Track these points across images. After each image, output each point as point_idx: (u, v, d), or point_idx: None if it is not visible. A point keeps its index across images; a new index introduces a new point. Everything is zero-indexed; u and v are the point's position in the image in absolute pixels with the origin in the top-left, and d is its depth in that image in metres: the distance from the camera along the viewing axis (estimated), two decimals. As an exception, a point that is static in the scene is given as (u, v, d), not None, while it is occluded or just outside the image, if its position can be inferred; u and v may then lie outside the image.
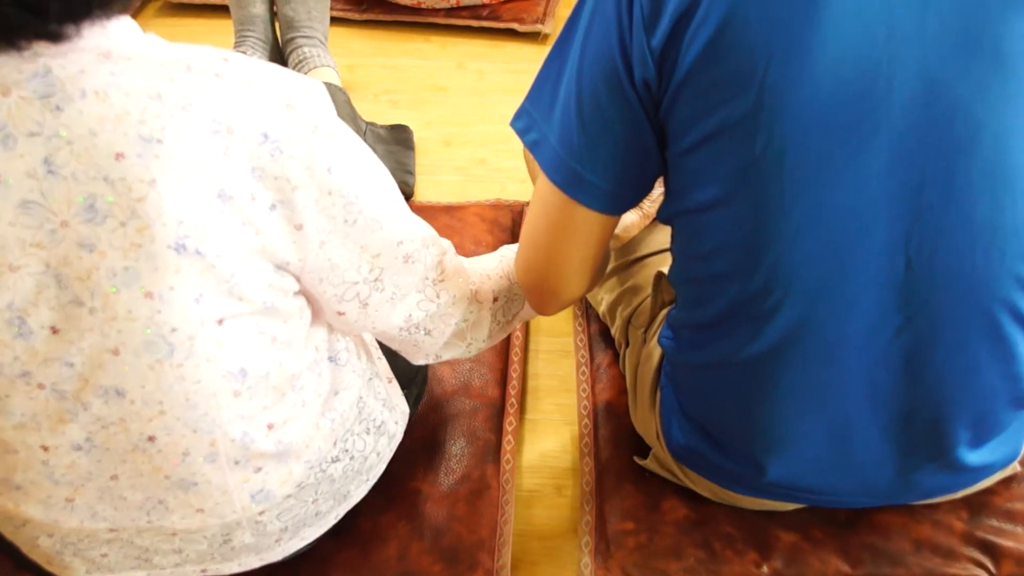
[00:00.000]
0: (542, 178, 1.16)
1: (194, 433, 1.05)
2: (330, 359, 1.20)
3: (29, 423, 1.04)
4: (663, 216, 1.18)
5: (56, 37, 0.93)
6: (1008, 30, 0.97)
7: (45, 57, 0.94)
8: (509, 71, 2.26)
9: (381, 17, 2.35)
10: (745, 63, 0.98)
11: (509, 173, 1.97)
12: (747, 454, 1.23)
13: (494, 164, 1.99)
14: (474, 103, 2.14)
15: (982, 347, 1.10)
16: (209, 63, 0.99)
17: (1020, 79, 0.98)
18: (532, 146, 1.16)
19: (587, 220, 1.15)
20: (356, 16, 2.31)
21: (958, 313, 1.07)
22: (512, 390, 1.56)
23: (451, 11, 2.36)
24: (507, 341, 1.62)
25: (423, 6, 2.34)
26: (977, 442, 1.21)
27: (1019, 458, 1.34)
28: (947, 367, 1.11)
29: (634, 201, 1.16)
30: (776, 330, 1.10)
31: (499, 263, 1.34)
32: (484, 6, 2.36)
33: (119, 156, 0.93)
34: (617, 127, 1.09)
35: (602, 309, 1.57)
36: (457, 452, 1.47)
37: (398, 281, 1.16)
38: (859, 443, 1.18)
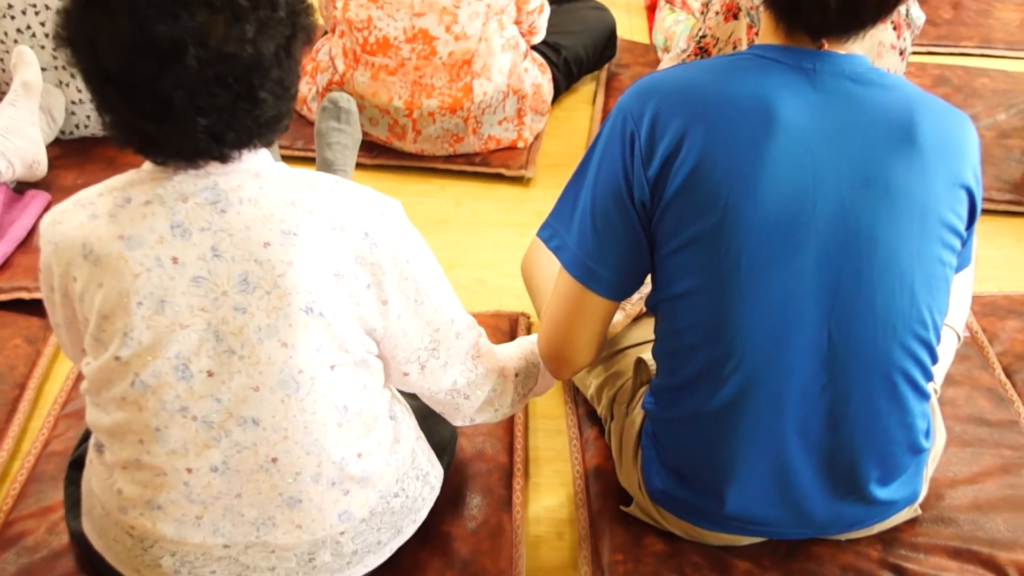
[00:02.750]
0: (562, 273, 1.55)
1: (307, 455, 1.40)
2: (391, 417, 1.55)
3: (180, 449, 1.38)
4: (650, 303, 1.57)
5: (225, 159, 1.32)
6: (894, 172, 1.39)
7: (214, 175, 1.32)
8: (499, 208, 2.64)
9: (390, 162, 2.74)
10: (712, 191, 1.39)
11: (505, 290, 2.33)
12: (711, 490, 1.58)
13: (492, 283, 2.36)
14: (471, 234, 2.52)
15: (884, 402, 1.48)
16: (325, 182, 1.38)
17: (902, 205, 1.39)
18: (556, 250, 1.56)
19: (597, 304, 1.54)
20: (368, 161, 2.70)
21: (865, 375, 1.46)
22: (518, 458, 1.91)
23: (449, 158, 2.75)
24: (512, 420, 1.97)
25: (425, 154, 2.74)
26: (884, 481, 1.58)
27: (919, 501, 1.72)
28: (858, 418, 1.48)
29: (631, 290, 1.55)
30: (733, 388, 1.47)
31: (518, 349, 1.71)
32: (476, 154, 2.76)
33: (266, 244, 1.31)
34: (621, 234, 1.48)
35: (590, 392, 1.94)
36: (477, 503, 1.81)
37: (449, 352, 1.52)
38: (796, 480, 1.54)
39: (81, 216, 1.34)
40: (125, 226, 1.31)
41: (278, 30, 1.25)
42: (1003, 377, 2.13)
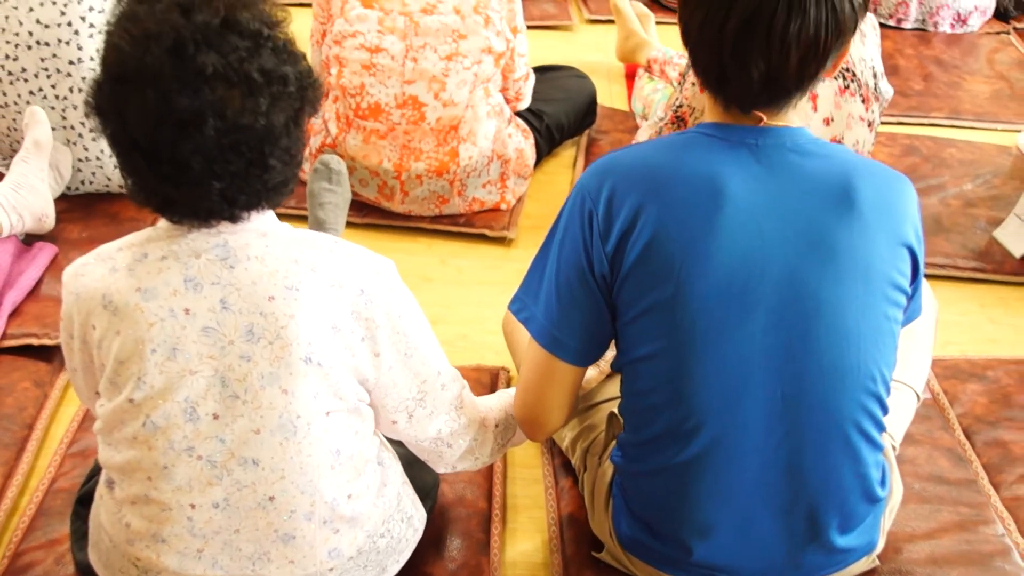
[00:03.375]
0: (531, 343, 1.67)
1: (302, 494, 1.51)
2: (379, 462, 1.67)
3: (185, 486, 1.50)
4: (615, 366, 1.68)
5: (235, 219, 1.45)
6: (836, 235, 1.50)
7: (225, 233, 1.45)
8: (482, 267, 2.76)
9: (378, 221, 2.86)
10: (667, 263, 1.51)
11: (487, 346, 2.44)
12: (678, 540, 1.68)
13: (474, 339, 2.48)
14: (455, 292, 2.64)
15: (838, 453, 1.59)
16: (325, 242, 1.51)
17: (846, 267, 1.50)
18: (525, 321, 1.68)
19: (564, 371, 1.66)
20: (358, 220, 2.82)
21: (819, 429, 1.56)
22: (496, 504, 2.02)
23: (435, 218, 2.87)
24: (491, 469, 2.08)
25: (412, 214, 2.87)
26: (843, 529, 1.67)
27: (876, 551, 1.82)
28: (814, 469, 1.58)
29: (596, 356, 1.67)
30: (695, 445, 1.57)
31: (498, 402, 1.84)
32: (461, 215, 2.89)
33: (271, 298, 1.43)
34: (584, 305, 1.60)
35: (565, 444, 2.05)
36: (457, 546, 1.92)
37: (435, 402, 1.64)
38: (757, 529, 1.64)
39: (102, 269, 1.47)
40: (142, 279, 1.44)
41: (288, 103, 1.38)
42: (963, 438, 2.24)
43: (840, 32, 1.46)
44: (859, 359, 1.54)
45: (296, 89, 1.40)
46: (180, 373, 1.44)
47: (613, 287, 1.57)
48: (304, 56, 1.44)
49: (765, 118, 1.53)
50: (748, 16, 1.43)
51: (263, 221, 1.48)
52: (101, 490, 1.62)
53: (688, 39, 1.54)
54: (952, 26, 4.15)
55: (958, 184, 3.14)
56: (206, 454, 1.47)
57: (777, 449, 1.57)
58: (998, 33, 4.16)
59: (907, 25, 4.15)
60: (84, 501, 1.82)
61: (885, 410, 1.62)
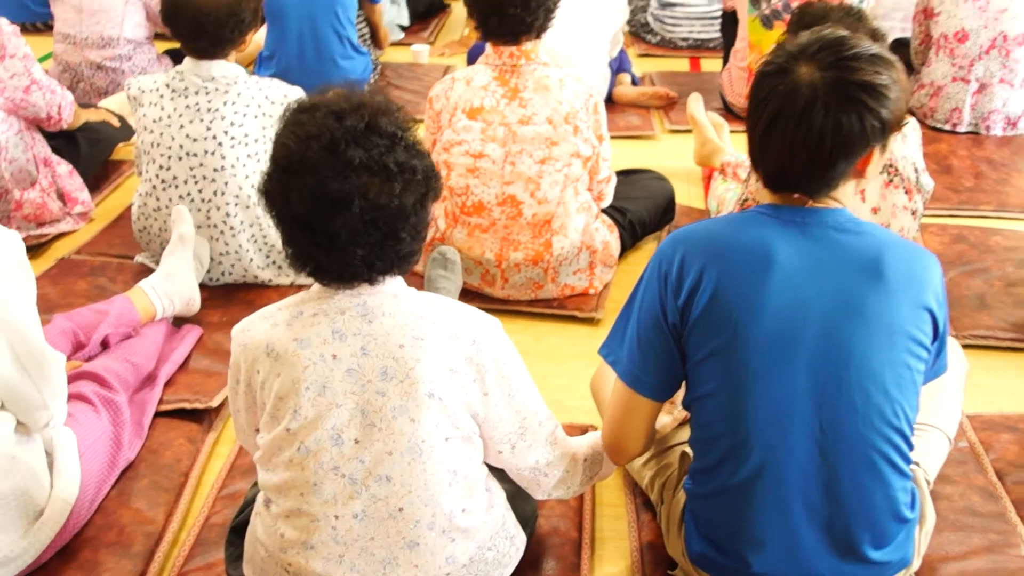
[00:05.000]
0: (617, 382, 2.01)
1: (425, 507, 1.85)
2: (486, 488, 2.00)
3: (331, 500, 1.84)
4: (684, 403, 2.01)
5: (373, 282, 1.82)
6: (866, 299, 1.83)
7: (364, 295, 1.82)
8: (573, 344, 3.10)
9: (481, 306, 3.09)
10: (726, 315, 1.85)
11: (577, 409, 2.76)
12: (738, 554, 1.97)
13: (567, 404, 2.79)
14: (550, 365, 2.96)
15: (867, 478, 1.88)
16: (444, 302, 1.87)
17: (874, 325, 1.83)
18: (612, 364, 2.03)
19: (643, 404, 2.00)
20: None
21: (851, 457, 1.86)
22: (586, 535, 2.34)
23: (531, 302, 3.22)
24: (581, 505, 2.41)
25: (511, 299, 3.22)
26: (876, 544, 1.94)
27: (912, 568, 2.08)
28: (848, 491, 1.87)
29: (670, 393, 2.00)
30: (749, 467, 1.88)
31: (586, 440, 2.16)
32: (555, 299, 3.24)
33: (401, 346, 1.79)
34: (660, 350, 1.95)
35: (644, 483, 2.36)
36: (552, 567, 2.25)
37: (533, 436, 1.98)
38: (803, 543, 1.91)
39: (265, 325, 1.85)
40: (298, 331, 1.81)
41: (416, 189, 1.76)
42: (994, 479, 2.53)
43: (846, 142, 1.80)
44: (884, 399, 1.85)
45: (423, 178, 1.78)
46: (328, 406, 1.80)
47: (683, 334, 1.91)
48: (428, 153, 1.82)
49: (810, 201, 1.88)
50: (770, 121, 1.82)
51: (394, 285, 1.85)
52: (259, 508, 1.97)
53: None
54: (1004, 129, 4.49)
55: (1001, 267, 3.45)
56: (348, 472, 1.82)
57: (817, 472, 1.87)
58: (1047, 135, 4.50)
59: (961, 129, 4.50)
60: (237, 530, 2.17)
61: (909, 443, 1.91)
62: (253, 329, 1.86)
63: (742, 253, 1.86)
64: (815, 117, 1.78)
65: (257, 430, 1.93)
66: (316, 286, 1.86)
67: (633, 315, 1.99)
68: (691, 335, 1.90)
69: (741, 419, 1.87)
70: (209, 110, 3.06)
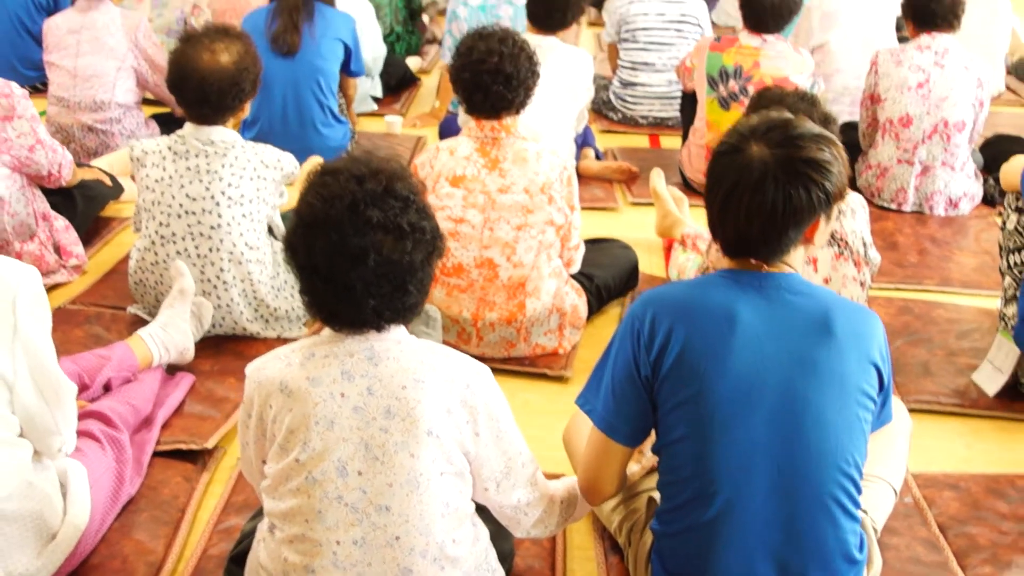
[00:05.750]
0: (593, 429, 2.19)
1: (420, 535, 2.02)
2: (472, 523, 2.18)
3: (333, 526, 2.02)
4: (654, 448, 2.19)
5: (381, 329, 2.02)
6: (818, 355, 2.03)
7: (371, 340, 2.02)
8: (543, 400, 3.28)
9: None
10: (693, 369, 2.05)
11: (548, 459, 2.86)
12: (704, 588, 2.19)
13: (538, 454, 2.85)
14: (522, 419, 2.97)
15: (822, 519, 2.05)
16: (443, 350, 2.07)
17: (826, 378, 2.02)
18: (588, 412, 2.21)
19: (617, 450, 2.19)
20: (439, 361, 3.42)
21: (806, 500, 2.04)
22: (558, 574, 2.53)
23: (504, 360, 3.40)
24: (553, 547, 2.60)
25: (485, 356, 3.37)
26: None
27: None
28: (803, 532, 2.05)
29: (641, 440, 2.18)
30: (714, 508, 2.05)
31: (563, 484, 2.35)
32: (527, 358, 3.43)
33: (404, 387, 1.99)
34: (632, 399, 2.13)
35: (613, 527, 2.55)
36: (527, 602, 2.44)
37: (517, 476, 2.17)
38: None
39: (280, 364, 2.04)
40: (310, 371, 2.00)
41: (425, 247, 1.98)
42: (937, 532, 2.74)
43: (796, 211, 2.03)
44: (836, 446, 2.04)
45: (431, 238, 2.00)
46: (336, 440, 1.98)
47: (654, 386, 2.11)
48: (434, 215, 2.04)
49: (765, 266, 2.11)
50: (727, 193, 2.06)
51: (398, 333, 2.06)
52: (262, 535, 2.14)
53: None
54: (946, 209, 4.77)
55: (944, 338, 3.69)
56: (351, 501, 2.00)
57: (776, 513, 2.05)
58: (985, 216, 4.76)
59: (907, 208, 4.77)
60: (236, 560, 2.34)
61: (858, 488, 2.10)
62: (268, 368, 2.05)
63: (708, 313, 2.07)
64: (767, 189, 2.01)
65: (264, 461, 2.11)
66: (327, 331, 2.06)
67: (608, 368, 2.18)
68: (662, 387, 2.09)
69: (707, 464, 2.05)
70: (208, 172, 3.26)
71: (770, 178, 2.02)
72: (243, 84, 3.28)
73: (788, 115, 2.13)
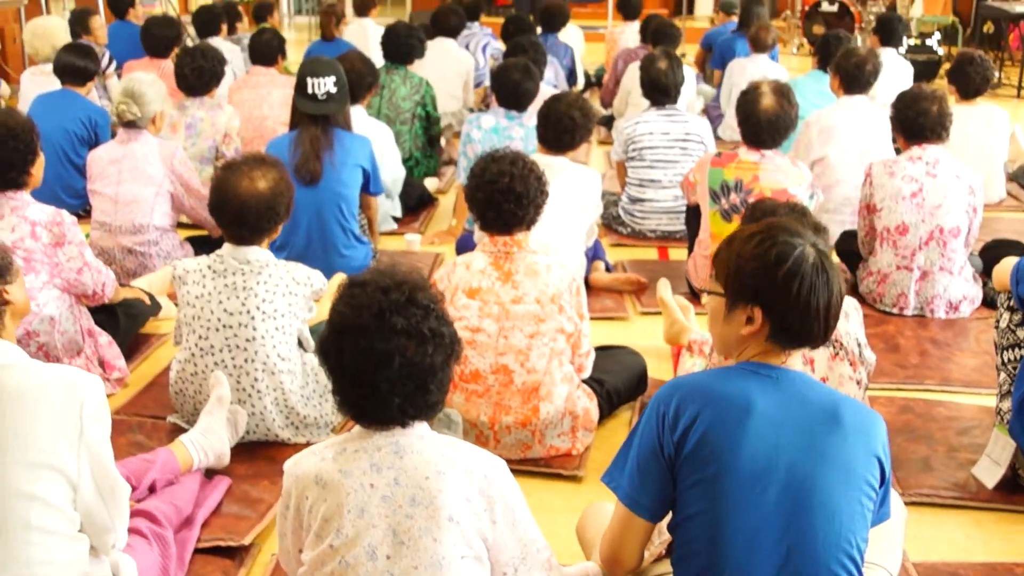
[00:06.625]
0: (618, 504, 2.36)
1: None
2: (488, 604, 2.37)
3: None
4: (670, 526, 2.35)
5: (405, 426, 2.23)
6: (827, 444, 2.22)
7: (397, 435, 2.23)
8: (558, 498, 3.46)
9: None
10: (712, 452, 2.23)
11: (563, 554, 3.04)
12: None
13: (553, 550, 3.17)
14: (537, 516, 3.16)
15: None
16: (462, 444, 2.27)
17: (833, 466, 2.21)
18: (614, 489, 2.38)
19: (640, 524, 2.35)
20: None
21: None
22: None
23: (520, 461, 3.58)
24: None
25: (502, 457, 3.58)
26: None
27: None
28: None
29: (662, 516, 2.35)
30: None
31: (576, 570, 2.55)
32: (541, 458, 3.62)
33: (427, 478, 2.19)
34: (656, 477, 2.31)
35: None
36: None
37: (532, 561, 2.34)
38: None
39: (315, 459, 2.25)
40: (343, 464, 2.21)
41: (444, 350, 2.20)
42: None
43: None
44: (840, 528, 2.22)
45: (449, 342, 2.23)
46: (366, 526, 2.19)
47: (676, 464, 2.29)
48: (452, 322, 2.27)
49: (785, 360, 2.33)
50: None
51: (421, 428, 2.28)
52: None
53: None
54: (946, 312, 4.96)
55: (944, 435, 3.86)
56: None
57: None
58: (986, 318, 4.91)
59: (908, 312, 4.97)
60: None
61: (860, 571, 2.27)
62: (304, 463, 2.27)
63: (728, 400, 2.26)
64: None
65: (300, 550, 2.31)
66: (357, 428, 2.28)
67: (633, 448, 2.37)
68: (683, 466, 2.27)
69: (719, 540, 2.23)
70: (244, 288, 3.51)
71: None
72: (278, 208, 3.56)
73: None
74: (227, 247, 3.59)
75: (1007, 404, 3.45)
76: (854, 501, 2.23)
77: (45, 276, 3.85)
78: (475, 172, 3.63)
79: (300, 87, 4.95)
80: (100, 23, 8.21)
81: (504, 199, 3.51)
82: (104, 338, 4.14)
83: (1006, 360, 3.53)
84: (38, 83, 6.93)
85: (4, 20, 10.53)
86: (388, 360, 2.15)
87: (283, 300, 3.55)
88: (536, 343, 3.55)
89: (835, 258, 5.16)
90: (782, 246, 2.29)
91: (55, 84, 6.43)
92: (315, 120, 4.94)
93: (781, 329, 2.31)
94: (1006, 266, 3.55)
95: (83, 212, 5.72)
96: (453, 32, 8.44)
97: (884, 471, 2.30)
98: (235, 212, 3.50)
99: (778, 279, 2.27)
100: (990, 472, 3.52)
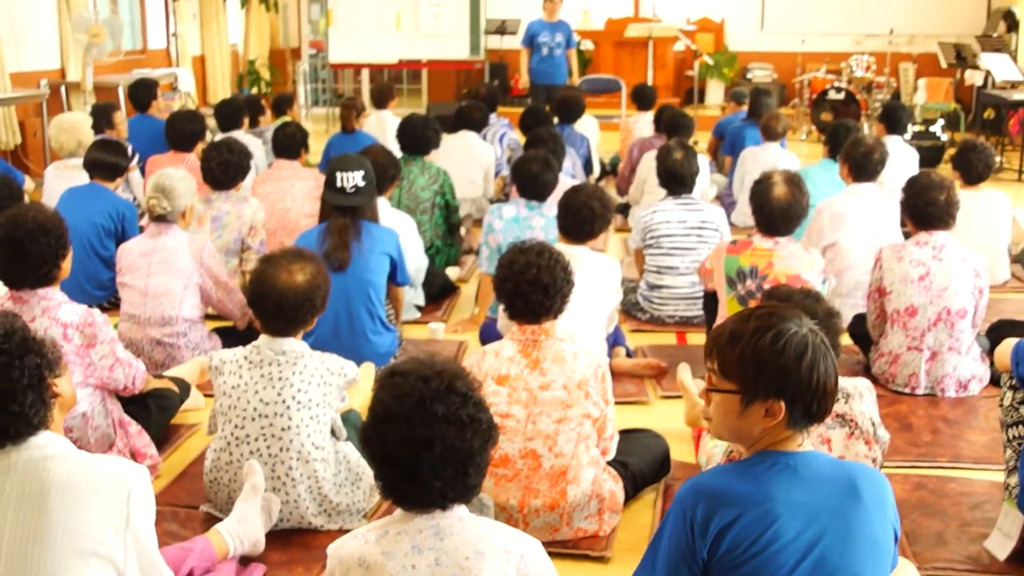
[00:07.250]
0: None
1: None
2: None
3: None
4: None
5: (445, 508, 2.34)
6: (851, 519, 2.35)
7: (437, 518, 2.34)
8: (586, 580, 3.62)
9: None
10: (746, 552, 2.34)
11: None
12: None
13: None
14: None
15: None
16: (499, 526, 2.38)
17: (859, 542, 2.37)
18: None
19: None
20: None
21: None
22: None
23: (549, 543, 3.61)
24: None
25: None
26: None
27: None
28: None
29: None
30: None
31: None
32: (570, 540, 3.69)
33: (467, 558, 2.30)
34: None
35: None
36: None
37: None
38: None
39: (357, 542, 2.36)
40: (385, 546, 2.32)
41: (482, 436, 2.32)
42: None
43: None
44: None
45: (486, 427, 2.34)
46: None
47: (709, 569, 2.40)
48: (489, 408, 2.38)
49: (801, 443, 2.45)
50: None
51: (461, 511, 2.39)
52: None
53: None
54: (956, 391, 5.09)
55: (957, 510, 3.96)
56: None
57: None
58: (994, 396, 4.95)
59: (920, 392, 5.09)
60: None
61: None
62: (347, 546, 2.37)
63: (753, 504, 2.37)
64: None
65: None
66: (399, 511, 2.38)
67: (661, 550, 2.46)
68: (716, 567, 2.38)
69: None
70: (280, 379, 3.64)
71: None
72: (315, 301, 3.70)
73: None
74: (263, 338, 3.72)
75: (1014, 479, 3.56)
76: (878, 570, 2.39)
77: (79, 376, 3.96)
78: (503, 263, 3.78)
79: (330, 182, 5.13)
80: (122, 117, 8.39)
81: (532, 290, 3.65)
82: (134, 427, 4.23)
83: (1011, 437, 3.66)
84: (63, 177, 7.08)
85: (25, 114, 10.79)
86: (429, 446, 2.26)
87: (318, 390, 3.67)
88: (563, 428, 3.66)
89: (848, 340, 5.34)
90: (792, 337, 2.40)
91: (80, 178, 6.59)
92: (343, 212, 5.12)
93: (801, 415, 2.42)
94: (1006, 347, 3.69)
95: (108, 304, 5.86)
96: (477, 127, 8.83)
97: (897, 535, 2.47)
98: (273, 304, 3.63)
99: (801, 373, 2.39)
100: (1001, 545, 3.61)
